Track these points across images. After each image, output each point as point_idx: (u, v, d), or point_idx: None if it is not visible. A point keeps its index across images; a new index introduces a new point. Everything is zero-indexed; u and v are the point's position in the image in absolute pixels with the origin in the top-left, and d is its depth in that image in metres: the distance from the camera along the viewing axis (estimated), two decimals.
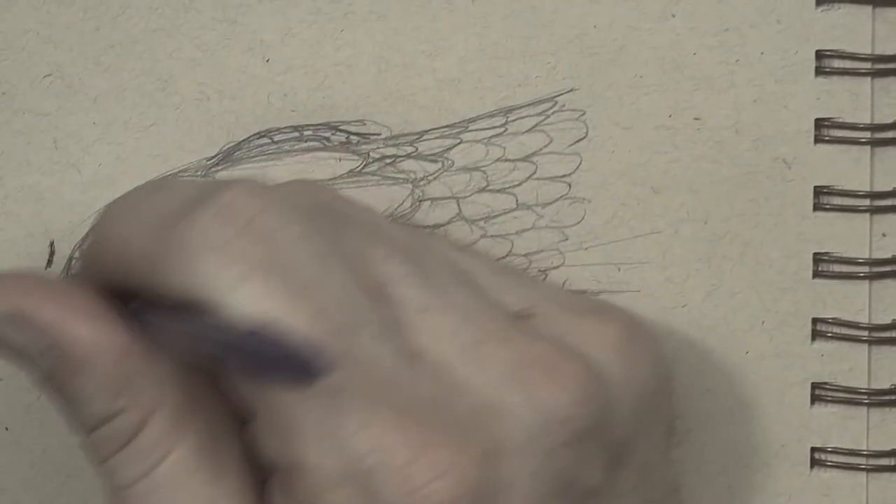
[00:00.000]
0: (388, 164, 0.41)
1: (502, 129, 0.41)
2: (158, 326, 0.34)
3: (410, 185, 0.41)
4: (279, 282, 0.32)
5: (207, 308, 0.32)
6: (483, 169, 0.41)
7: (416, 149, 0.41)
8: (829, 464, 0.40)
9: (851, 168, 0.40)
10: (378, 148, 0.41)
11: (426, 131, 0.41)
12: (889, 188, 0.40)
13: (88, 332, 0.34)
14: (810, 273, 0.40)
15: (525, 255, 0.41)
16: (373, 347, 0.32)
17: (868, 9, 0.40)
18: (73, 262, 0.42)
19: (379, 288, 0.34)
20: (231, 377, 0.33)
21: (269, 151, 0.41)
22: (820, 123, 0.40)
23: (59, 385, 0.35)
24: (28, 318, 0.35)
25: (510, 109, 0.41)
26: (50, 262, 0.42)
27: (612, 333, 0.35)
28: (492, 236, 0.41)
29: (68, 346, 0.34)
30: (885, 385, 0.40)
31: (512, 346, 0.34)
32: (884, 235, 0.40)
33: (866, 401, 0.40)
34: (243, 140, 0.41)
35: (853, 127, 0.40)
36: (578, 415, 0.33)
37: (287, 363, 0.31)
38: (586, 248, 0.41)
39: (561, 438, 0.33)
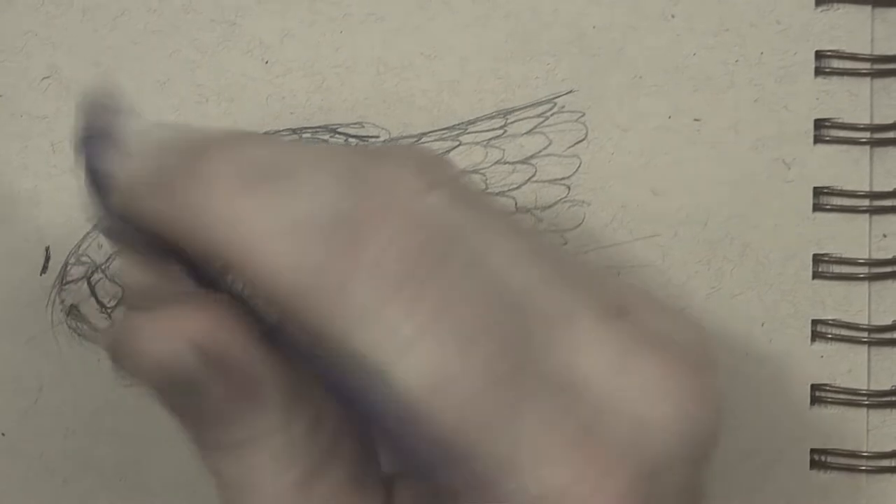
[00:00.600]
0: None
1: (501, 131, 0.41)
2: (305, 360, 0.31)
3: None
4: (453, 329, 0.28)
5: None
6: (482, 171, 0.41)
7: None
8: (829, 465, 0.40)
9: (851, 168, 0.40)
10: None
11: (425, 133, 0.41)
12: (889, 189, 0.40)
13: (259, 359, 0.31)
14: (810, 274, 0.40)
15: None
16: (537, 367, 0.29)
17: (867, 9, 0.40)
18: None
19: (517, 297, 0.30)
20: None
21: None
22: (819, 124, 0.40)
23: (225, 423, 0.31)
24: (209, 346, 0.30)
25: (509, 111, 0.41)
26: (45, 268, 0.42)
27: (699, 330, 0.33)
28: None
29: (243, 372, 0.30)
30: (885, 386, 0.40)
31: (649, 356, 0.30)
32: (884, 236, 0.40)
33: (866, 402, 0.40)
34: None
35: (853, 127, 0.40)
36: (714, 421, 0.31)
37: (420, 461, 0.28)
38: (586, 253, 0.41)
39: (703, 451, 0.31)
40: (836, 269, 0.40)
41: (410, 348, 0.28)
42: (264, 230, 0.28)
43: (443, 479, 0.28)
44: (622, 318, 0.32)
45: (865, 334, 0.40)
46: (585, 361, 0.30)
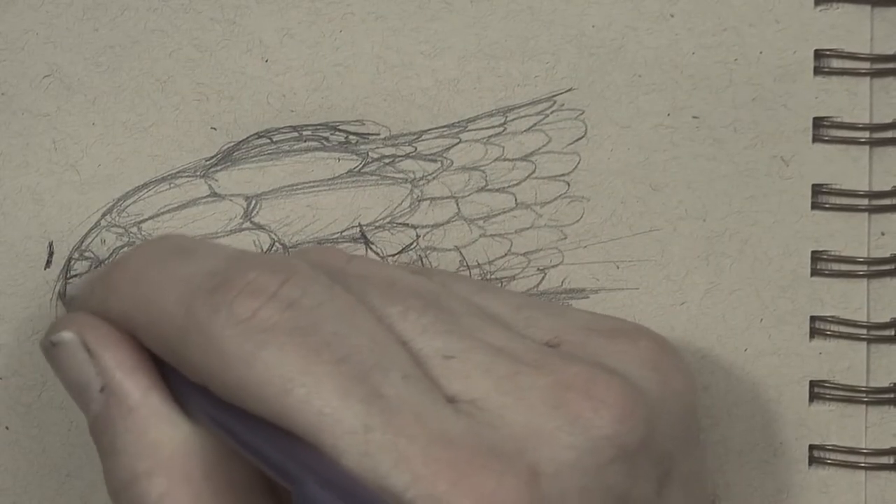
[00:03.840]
0: (388, 163, 0.41)
1: (501, 129, 0.41)
2: (197, 402, 0.35)
3: (409, 185, 0.41)
4: (301, 340, 0.32)
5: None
6: (482, 168, 0.41)
7: (416, 148, 0.41)
8: (827, 462, 0.40)
9: (850, 167, 0.40)
10: (377, 148, 0.41)
11: (425, 131, 0.41)
12: (887, 187, 0.40)
13: (138, 385, 0.36)
14: (808, 271, 0.40)
15: (524, 254, 0.41)
16: (404, 388, 0.32)
17: (867, 8, 0.40)
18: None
19: (403, 344, 0.34)
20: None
21: (268, 152, 0.41)
22: (818, 122, 0.40)
23: (101, 430, 0.36)
24: (94, 354, 0.36)
25: (509, 109, 0.41)
26: (48, 263, 0.42)
27: (644, 350, 0.35)
28: (491, 235, 0.41)
29: (119, 395, 0.36)
30: (884, 383, 0.40)
31: (546, 373, 0.33)
32: (882, 234, 0.40)
33: (865, 399, 0.40)
34: (242, 140, 0.41)
35: (852, 126, 0.40)
36: (623, 430, 0.33)
37: None
38: (585, 247, 0.41)
39: (609, 455, 0.33)
40: (835, 266, 0.40)
41: (255, 354, 0.33)
42: (160, 283, 0.35)
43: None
44: (552, 348, 0.35)
45: (864, 331, 0.40)
46: (475, 387, 0.33)
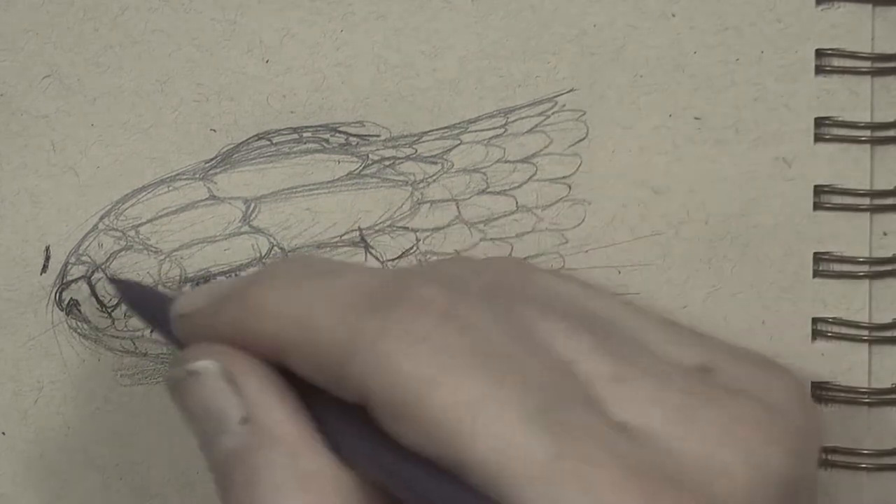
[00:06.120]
0: (388, 165, 0.41)
1: (502, 130, 0.41)
2: (354, 441, 0.33)
3: (410, 188, 0.41)
4: (483, 366, 0.31)
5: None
6: (483, 170, 0.41)
7: (416, 150, 0.41)
8: (829, 463, 0.40)
9: (851, 167, 0.40)
10: (377, 150, 0.41)
11: (425, 132, 0.41)
12: (889, 187, 0.40)
13: (284, 415, 0.33)
14: (810, 272, 0.40)
15: (525, 259, 0.41)
16: (584, 414, 0.31)
17: (868, 7, 0.40)
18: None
19: (567, 365, 0.33)
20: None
21: (268, 154, 0.41)
22: (820, 122, 0.40)
23: (236, 463, 0.33)
24: (237, 382, 0.34)
25: (510, 110, 0.41)
26: (45, 267, 0.42)
27: (792, 385, 0.35)
28: (491, 239, 0.41)
29: (265, 425, 0.33)
30: (886, 385, 0.40)
31: (715, 404, 0.33)
32: (884, 234, 0.40)
33: (867, 400, 0.40)
34: (242, 142, 0.41)
35: (853, 126, 0.40)
36: (792, 467, 0.32)
37: None
38: (586, 251, 0.41)
39: (779, 492, 0.32)
40: (837, 267, 0.40)
41: (440, 379, 0.31)
42: (313, 301, 0.33)
43: None
44: (705, 374, 0.34)
45: (866, 332, 0.40)
46: (643, 416, 0.32)
